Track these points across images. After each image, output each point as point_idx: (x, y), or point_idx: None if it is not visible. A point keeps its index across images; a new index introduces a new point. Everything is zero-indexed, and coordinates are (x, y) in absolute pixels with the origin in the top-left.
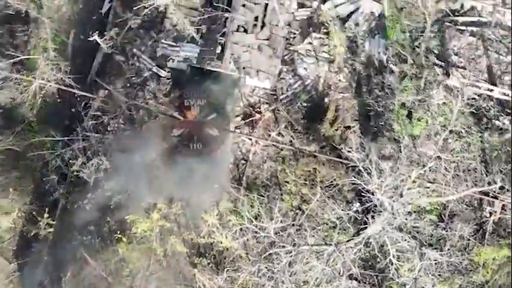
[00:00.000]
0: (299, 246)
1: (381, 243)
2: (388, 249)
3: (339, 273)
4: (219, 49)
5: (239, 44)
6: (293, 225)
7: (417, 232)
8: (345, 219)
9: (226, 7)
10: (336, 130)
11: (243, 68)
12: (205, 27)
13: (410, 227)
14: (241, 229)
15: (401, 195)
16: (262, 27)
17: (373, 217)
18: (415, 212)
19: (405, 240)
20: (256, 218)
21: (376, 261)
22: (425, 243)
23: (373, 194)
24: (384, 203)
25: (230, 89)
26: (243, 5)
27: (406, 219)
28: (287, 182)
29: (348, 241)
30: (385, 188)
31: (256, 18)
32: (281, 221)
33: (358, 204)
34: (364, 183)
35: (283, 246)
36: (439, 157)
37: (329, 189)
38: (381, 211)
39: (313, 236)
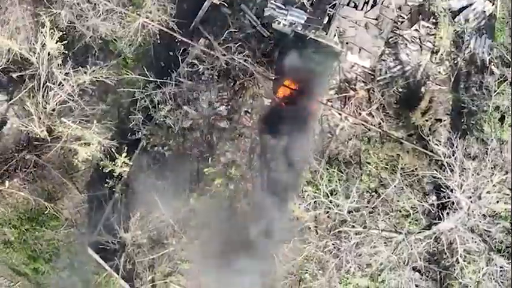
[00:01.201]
0: (369, 229)
1: (450, 240)
2: (457, 248)
3: (404, 263)
4: (325, 20)
5: (347, 19)
6: (367, 207)
7: (488, 236)
8: (419, 210)
9: None
10: (426, 121)
11: (346, 43)
12: None
13: (483, 230)
14: (315, 202)
15: (479, 198)
16: (372, 6)
17: (447, 214)
18: (489, 216)
19: (475, 242)
20: (331, 194)
21: (442, 258)
22: (494, 249)
23: (451, 191)
24: (461, 202)
25: (329, 61)
26: None
27: (480, 221)
28: (368, 162)
29: (418, 232)
30: (465, 187)
31: None
32: (356, 201)
33: (434, 197)
34: (445, 179)
35: (353, 227)
36: None
37: (408, 178)
38: (457, 209)
39: (384, 221)
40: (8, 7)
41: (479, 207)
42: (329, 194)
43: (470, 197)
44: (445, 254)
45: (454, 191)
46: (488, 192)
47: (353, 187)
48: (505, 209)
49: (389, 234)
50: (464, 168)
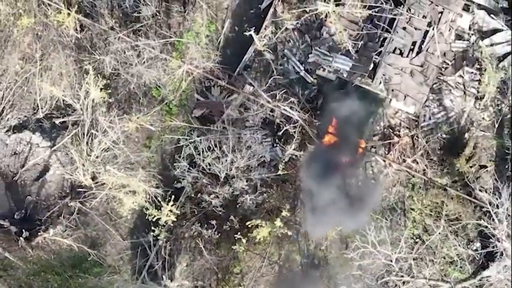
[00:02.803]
0: (417, 278)
1: None
2: None
3: None
4: (371, 67)
5: (392, 66)
6: (410, 254)
7: None
8: (464, 257)
9: (387, 27)
10: (471, 167)
11: (392, 90)
12: (362, 43)
13: None
14: (363, 252)
15: None
16: (418, 53)
17: (493, 261)
18: None
19: None
20: (379, 243)
21: None
22: None
23: (498, 240)
24: (507, 251)
25: (373, 108)
26: (404, 28)
27: None
28: (413, 209)
29: (464, 280)
30: (508, 234)
31: (414, 43)
32: (404, 251)
33: (478, 244)
34: (491, 227)
35: (402, 276)
36: None
37: (453, 225)
38: (503, 257)
39: (429, 269)
40: (51, 53)
41: None
42: (377, 245)
43: None
44: None
45: (501, 240)
46: None
47: (400, 235)
48: None
49: (436, 283)
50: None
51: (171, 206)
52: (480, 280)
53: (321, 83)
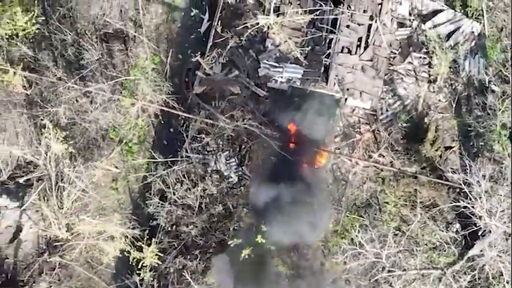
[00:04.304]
0: (408, 270)
1: (496, 270)
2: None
3: None
4: (322, 70)
5: (343, 65)
6: (400, 250)
7: None
8: (447, 240)
9: (330, 28)
10: (437, 151)
11: (347, 89)
12: (309, 48)
13: None
14: (344, 253)
15: (510, 220)
16: (365, 48)
17: (476, 239)
18: None
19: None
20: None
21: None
22: None
23: (478, 218)
24: (490, 226)
25: (331, 110)
26: (347, 26)
27: (507, 240)
28: (387, 202)
29: (453, 263)
30: (489, 211)
31: (359, 39)
32: (384, 244)
33: (458, 225)
34: (470, 205)
35: (393, 271)
36: None
37: (429, 211)
38: (485, 233)
39: (414, 258)
40: (3, 113)
41: (508, 227)
42: (365, 244)
43: (496, 219)
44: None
45: (481, 217)
46: None
47: (381, 231)
48: None
49: (427, 271)
50: (486, 191)
51: (153, 247)
52: (471, 260)
53: (274, 94)
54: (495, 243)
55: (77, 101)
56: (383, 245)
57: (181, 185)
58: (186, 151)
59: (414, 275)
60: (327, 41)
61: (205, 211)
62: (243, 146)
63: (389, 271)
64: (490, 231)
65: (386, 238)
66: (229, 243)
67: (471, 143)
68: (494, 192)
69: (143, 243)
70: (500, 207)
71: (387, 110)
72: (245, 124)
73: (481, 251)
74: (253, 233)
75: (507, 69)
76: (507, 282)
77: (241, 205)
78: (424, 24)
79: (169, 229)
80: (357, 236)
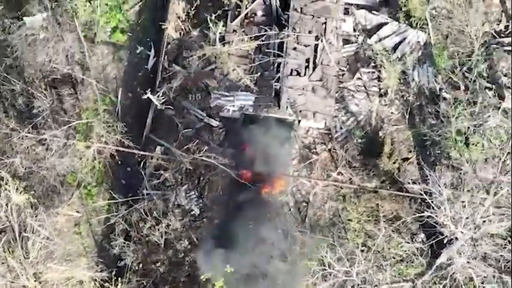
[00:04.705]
0: (380, 285)
1: (466, 276)
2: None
3: None
4: (273, 95)
5: (294, 88)
6: (369, 266)
7: (495, 259)
8: (414, 251)
9: (277, 52)
10: (394, 163)
11: (300, 111)
12: (258, 74)
13: (482, 253)
14: (315, 274)
15: (475, 226)
16: (314, 68)
17: (442, 247)
18: (482, 238)
19: (482, 269)
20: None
21: None
22: (502, 270)
23: (441, 226)
24: (456, 233)
25: (284, 133)
26: (294, 48)
27: (474, 245)
28: (350, 220)
29: (422, 274)
30: (456, 217)
31: (307, 60)
32: (362, 263)
33: (422, 235)
34: (434, 215)
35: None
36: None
37: (393, 224)
38: (451, 241)
39: (382, 272)
40: None
41: (474, 233)
42: (334, 263)
43: (462, 226)
44: None
45: (445, 225)
46: (482, 217)
47: (358, 251)
48: (501, 227)
49: (398, 284)
50: (448, 199)
51: None
52: (441, 269)
53: (227, 123)
54: (463, 250)
55: (32, 149)
56: (352, 263)
57: (145, 223)
58: (146, 188)
59: None
60: (275, 65)
61: (171, 247)
62: (202, 178)
63: None
64: (456, 239)
65: (354, 256)
66: (201, 277)
67: (428, 152)
68: (456, 199)
69: (111, 285)
70: (464, 213)
71: (341, 128)
72: (201, 156)
73: (450, 259)
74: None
75: (456, 75)
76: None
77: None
78: (369, 38)
79: (137, 268)
80: (325, 256)
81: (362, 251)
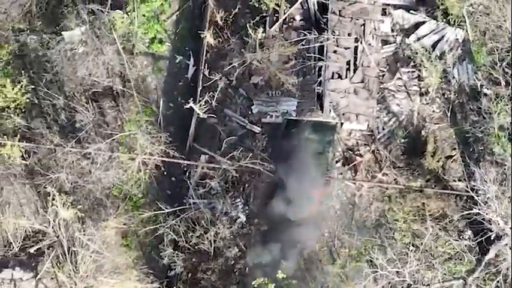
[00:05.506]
0: (432, 284)
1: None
2: None
3: None
4: (316, 98)
5: (336, 91)
6: (419, 264)
7: None
8: (463, 248)
9: (318, 55)
10: (438, 161)
11: (343, 114)
12: (300, 79)
13: None
14: (367, 277)
15: None
16: (355, 70)
17: (491, 243)
18: None
19: None
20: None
21: None
22: None
23: (489, 222)
24: (504, 229)
25: (327, 136)
26: (334, 51)
27: None
28: (396, 220)
29: (472, 271)
30: (503, 213)
31: (348, 63)
32: (414, 262)
33: (470, 232)
34: (482, 212)
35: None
36: None
37: (439, 222)
38: (500, 237)
39: (431, 271)
40: (4, 187)
41: None
42: (387, 265)
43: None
44: None
45: (494, 221)
46: None
47: (409, 251)
48: None
49: (450, 283)
50: (497, 196)
51: None
52: (492, 266)
53: (269, 129)
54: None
55: (77, 164)
56: (403, 263)
57: (193, 232)
58: (192, 198)
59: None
60: (316, 69)
61: (220, 255)
62: (247, 185)
63: None
64: (506, 235)
65: (403, 256)
66: (253, 283)
67: (471, 149)
68: (503, 195)
69: None
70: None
71: (384, 129)
72: (246, 163)
73: (500, 255)
74: (273, 269)
75: (496, 71)
76: None
77: (253, 245)
78: (407, 38)
79: (187, 277)
80: (377, 258)
81: (410, 250)
